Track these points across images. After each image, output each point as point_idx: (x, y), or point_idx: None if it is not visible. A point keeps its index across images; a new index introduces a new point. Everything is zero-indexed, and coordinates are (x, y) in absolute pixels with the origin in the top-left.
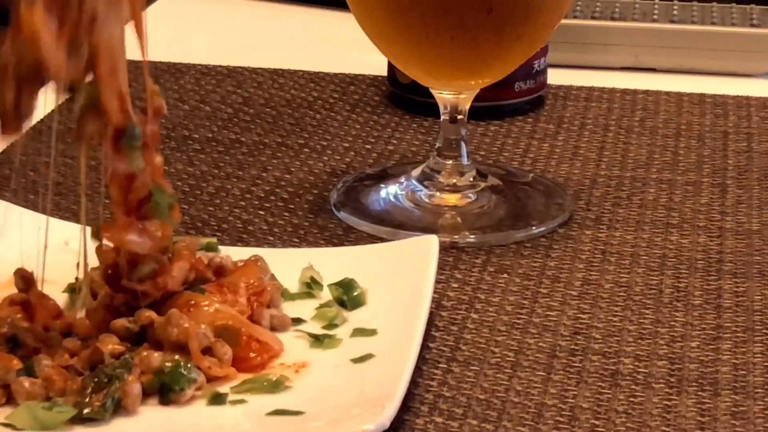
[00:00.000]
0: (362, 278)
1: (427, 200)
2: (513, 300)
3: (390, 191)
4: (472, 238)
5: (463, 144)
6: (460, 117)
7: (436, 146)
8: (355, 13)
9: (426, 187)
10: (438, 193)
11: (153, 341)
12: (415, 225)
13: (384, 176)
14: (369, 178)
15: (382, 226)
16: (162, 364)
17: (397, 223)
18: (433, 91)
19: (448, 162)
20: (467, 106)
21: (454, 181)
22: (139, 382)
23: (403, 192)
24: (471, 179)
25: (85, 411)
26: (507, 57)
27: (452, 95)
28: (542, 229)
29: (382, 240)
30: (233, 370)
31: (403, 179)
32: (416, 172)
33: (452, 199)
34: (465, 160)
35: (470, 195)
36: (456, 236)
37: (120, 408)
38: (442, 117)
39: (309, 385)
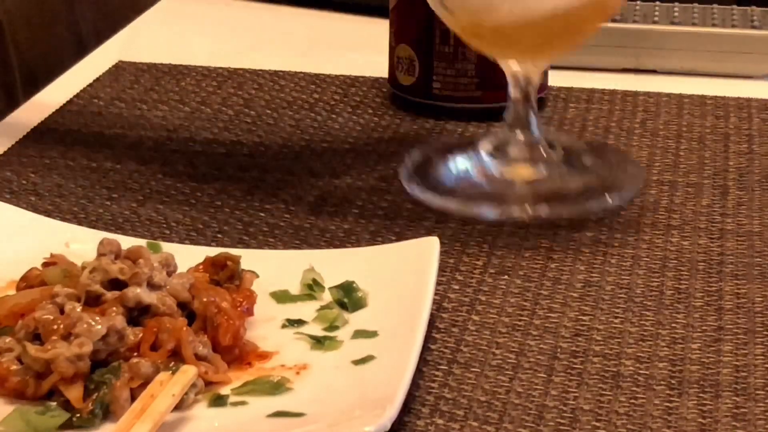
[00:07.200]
0: (363, 280)
1: (497, 174)
2: (514, 302)
3: (460, 166)
4: (545, 211)
5: (532, 115)
6: (530, 87)
7: (505, 118)
8: None
9: (496, 159)
10: (508, 167)
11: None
12: (486, 198)
13: (451, 150)
14: (436, 153)
15: (453, 200)
16: (151, 370)
17: (467, 197)
18: (501, 62)
19: (518, 134)
20: (537, 77)
21: (524, 154)
22: (128, 388)
23: (474, 167)
24: (541, 152)
25: (75, 417)
26: None
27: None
28: (617, 200)
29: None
30: (228, 376)
31: (471, 153)
32: (485, 145)
33: (523, 172)
34: (535, 132)
35: (541, 168)
36: (529, 209)
37: (110, 413)
38: (512, 89)
39: (310, 386)
